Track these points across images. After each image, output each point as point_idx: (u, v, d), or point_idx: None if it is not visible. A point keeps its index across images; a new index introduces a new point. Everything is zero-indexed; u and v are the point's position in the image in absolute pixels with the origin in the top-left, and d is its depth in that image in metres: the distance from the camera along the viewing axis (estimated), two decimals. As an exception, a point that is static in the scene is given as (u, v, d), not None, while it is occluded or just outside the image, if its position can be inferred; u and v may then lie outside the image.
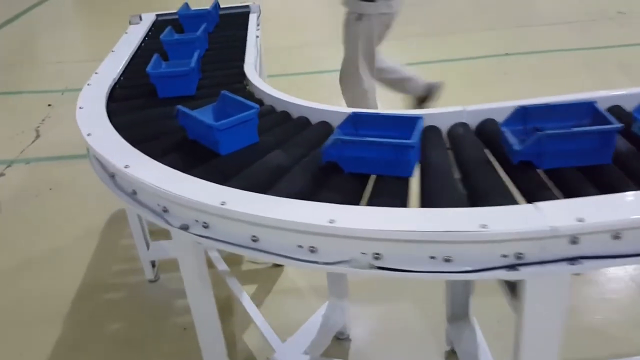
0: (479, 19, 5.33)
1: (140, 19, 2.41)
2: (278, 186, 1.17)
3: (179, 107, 1.37)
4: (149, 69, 1.65)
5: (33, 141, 3.63)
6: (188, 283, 1.32)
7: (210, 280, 2.00)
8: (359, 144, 1.13)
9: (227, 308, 2.06)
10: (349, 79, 2.76)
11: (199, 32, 1.95)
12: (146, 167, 1.24)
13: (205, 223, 1.14)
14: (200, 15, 2.25)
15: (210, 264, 2.20)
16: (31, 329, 2.06)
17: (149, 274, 2.21)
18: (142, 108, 1.64)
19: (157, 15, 2.51)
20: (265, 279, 2.21)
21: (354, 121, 1.25)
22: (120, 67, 1.89)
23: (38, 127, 3.82)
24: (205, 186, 1.16)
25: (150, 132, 1.48)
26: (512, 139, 1.15)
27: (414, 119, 1.19)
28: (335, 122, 1.48)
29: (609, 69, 3.98)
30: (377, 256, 1.00)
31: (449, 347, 1.77)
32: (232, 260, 2.16)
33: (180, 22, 2.26)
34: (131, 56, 2.01)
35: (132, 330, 2.01)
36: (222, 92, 1.44)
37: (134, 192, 1.28)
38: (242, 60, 1.98)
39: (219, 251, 2.14)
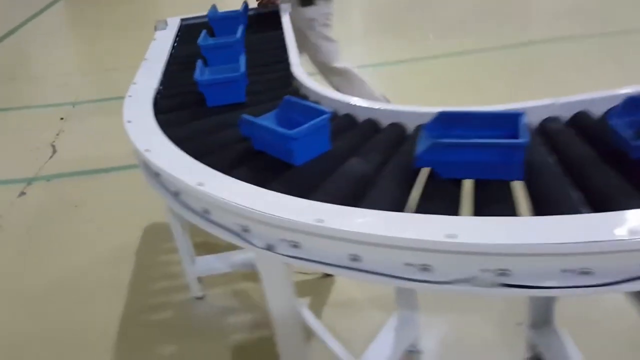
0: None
1: (166, 24, 2.29)
2: (370, 198, 1.07)
3: (244, 116, 1.26)
4: (196, 76, 1.54)
5: (51, 157, 3.51)
6: (273, 306, 1.21)
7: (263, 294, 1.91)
8: (462, 146, 1.02)
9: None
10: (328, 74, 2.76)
11: (238, 35, 1.84)
12: (221, 183, 1.13)
13: (295, 242, 1.04)
14: (232, 17, 2.14)
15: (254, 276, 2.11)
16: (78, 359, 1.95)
17: (195, 291, 2.10)
18: (193, 118, 1.53)
19: (182, 20, 2.39)
20: (317, 290, 2.10)
21: (443, 121, 1.15)
22: (158, 76, 1.78)
23: (53, 142, 3.70)
24: (291, 202, 1.05)
25: (210, 144, 1.37)
26: (626, 133, 1.05)
27: (515, 116, 1.08)
28: (408, 123, 1.38)
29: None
30: (502, 272, 0.90)
31: (530, 354, 1.67)
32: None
33: (211, 25, 2.14)
34: (166, 63, 1.90)
35: (186, 352, 1.91)
36: (286, 97, 1.33)
37: (206, 211, 1.18)
38: (284, 61, 1.87)
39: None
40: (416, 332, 1.74)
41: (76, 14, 7.39)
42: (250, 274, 2.17)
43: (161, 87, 1.73)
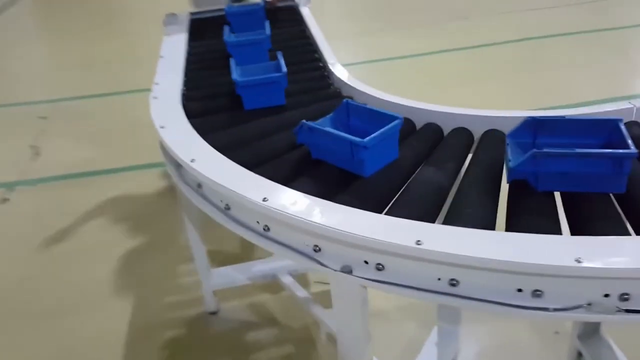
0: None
1: (176, 18, 2.14)
2: (461, 214, 0.97)
3: (305, 122, 1.14)
4: (235, 77, 1.41)
5: (33, 159, 3.29)
6: (344, 332, 1.10)
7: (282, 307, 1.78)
8: (566, 156, 0.93)
9: (308, 340, 1.84)
10: None
11: (267, 31, 1.72)
12: (288, 198, 1.01)
13: (380, 265, 0.93)
14: (250, 12, 2.00)
15: (279, 288, 1.98)
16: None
17: (210, 305, 1.96)
18: (232, 123, 1.40)
19: (191, 14, 2.25)
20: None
21: (532, 127, 1.05)
22: (180, 76, 1.64)
23: (35, 143, 3.48)
24: (374, 219, 0.95)
25: (261, 152, 1.25)
26: None
27: (613, 122, 1.00)
28: (475, 128, 1.29)
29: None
30: (625, 297, 0.81)
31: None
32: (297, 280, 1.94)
33: (228, 19, 2.01)
34: (185, 62, 1.76)
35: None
36: (346, 100, 1.22)
37: (267, 229, 1.05)
38: (315, 60, 1.76)
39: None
40: (458, 346, 1.66)
41: (44, 10, 7.07)
42: (267, 285, 2.05)
43: (186, 88, 1.60)
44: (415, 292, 0.92)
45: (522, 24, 4.72)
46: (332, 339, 1.82)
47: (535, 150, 0.94)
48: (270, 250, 1.07)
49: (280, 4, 2.32)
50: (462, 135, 1.25)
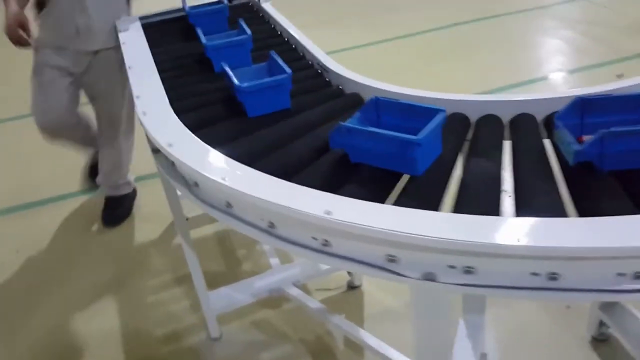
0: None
1: (128, 23, 1.96)
2: (530, 204, 0.92)
3: (343, 124, 1.05)
4: (239, 83, 1.29)
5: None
6: (426, 340, 1.03)
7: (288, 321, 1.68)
8: (633, 135, 0.91)
9: (326, 351, 1.75)
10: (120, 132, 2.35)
11: (247, 31, 1.59)
12: (352, 208, 0.92)
13: (469, 268, 0.87)
14: (215, 12, 1.86)
15: (279, 301, 1.88)
16: None
17: (213, 331, 1.82)
18: (240, 133, 1.27)
19: (141, 18, 2.06)
20: (349, 304, 1.93)
21: (579, 108, 1.03)
22: (160, 86, 1.48)
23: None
24: (452, 219, 0.88)
25: (288, 162, 1.14)
26: None
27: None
28: (504, 114, 1.24)
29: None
30: None
31: (595, 333, 1.65)
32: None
33: (191, 21, 1.86)
34: (158, 70, 1.60)
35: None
36: (376, 97, 1.14)
37: (326, 243, 0.96)
38: (300, 58, 1.66)
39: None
40: (484, 335, 1.64)
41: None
42: (268, 300, 1.94)
43: (171, 99, 1.44)
44: (513, 292, 0.87)
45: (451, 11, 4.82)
46: (351, 346, 1.75)
47: (603, 130, 0.91)
48: (331, 265, 0.98)
49: (235, 2, 2.19)
50: (493, 122, 1.21)
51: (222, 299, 1.78)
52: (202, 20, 1.83)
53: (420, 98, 1.25)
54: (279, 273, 1.85)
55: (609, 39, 3.80)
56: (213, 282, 1.92)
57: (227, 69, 1.36)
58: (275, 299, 1.91)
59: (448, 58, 3.84)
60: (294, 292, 1.78)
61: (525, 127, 1.18)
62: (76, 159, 2.63)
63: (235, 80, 1.29)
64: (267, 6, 2.04)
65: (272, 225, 1.03)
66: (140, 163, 2.53)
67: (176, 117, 1.29)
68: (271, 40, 1.80)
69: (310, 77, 1.53)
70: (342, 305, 1.91)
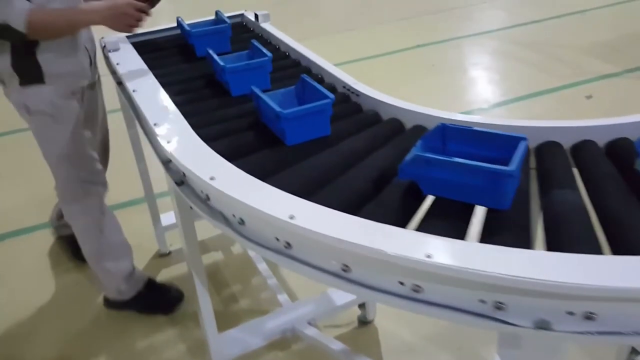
0: (369, 13, 5.27)
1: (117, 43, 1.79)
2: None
3: (421, 154, 0.96)
4: (280, 109, 1.17)
5: None
6: None
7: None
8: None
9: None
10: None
11: (267, 53, 1.47)
12: (453, 249, 0.82)
13: (591, 313, 0.79)
14: (220, 31, 1.74)
15: (288, 341, 1.73)
16: None
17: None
18: (283, 164, 1.16)
19: (129, 37, 1.90)
20: (365, 340, 1.81)
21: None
22: (176, 112, 1.33)
23: None
24: (568, 260, 0.80)
25: (349, 196, 1.03)
26: None
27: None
28: (566, 141, 1.19)
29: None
30: None
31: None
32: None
33: (191, 42, 1.72)
34: (168, 94, 1.45)
35: None
36: (442, 124, 1.06)
37: (417, 289, 0.86)
38: (320, 82, 1.56)
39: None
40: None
41: None
42: (277, 341, 1.78)
43: (193, 125, 1.30)
44: (636, 338, 0.79)
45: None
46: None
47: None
48: (422, 313, 0.88)
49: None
50: (556, 149, 1.15)
51: (232, 343, 1.62)
52: (203, 41, 1.70)
53: (474, 124, 1.17)
54: (292, 311, 1.71)
55: (572, 61, 3.94)
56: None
57: (259, 93, 1.24)
58: (282, 341, 1.77)
59: (415, 78, 3.86)
60: (310, 331, 1.65)
61: (591, 154, 1.13)
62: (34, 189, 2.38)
63: (277, 107, 1.17)
64: (267, 26, 1.93)
65: (346, 267, 0.91)
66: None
67: (208, 147, 1.16)
68: (281, 62, 1.69)
69: (340, 102, 1.43)
70: (357, 342, 1.80)
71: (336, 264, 0.92)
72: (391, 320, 1.88)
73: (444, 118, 1.24)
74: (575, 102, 3.35)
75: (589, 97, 3.37)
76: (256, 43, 1.55)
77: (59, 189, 1.79)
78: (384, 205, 1.00)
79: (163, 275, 2.18)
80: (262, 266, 1.96)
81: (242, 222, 1.04)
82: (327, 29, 4.85)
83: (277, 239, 0.99)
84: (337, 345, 1.60)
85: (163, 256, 2.29)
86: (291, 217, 0.92)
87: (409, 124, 1.32)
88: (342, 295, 1.76)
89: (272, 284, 1.88)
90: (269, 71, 1.47)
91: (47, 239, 2.40)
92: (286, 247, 0.98)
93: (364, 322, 1.88)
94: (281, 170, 1.14)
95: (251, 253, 2.04)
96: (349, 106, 1.41)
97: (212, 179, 1.04)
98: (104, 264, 1.85)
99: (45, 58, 1.55)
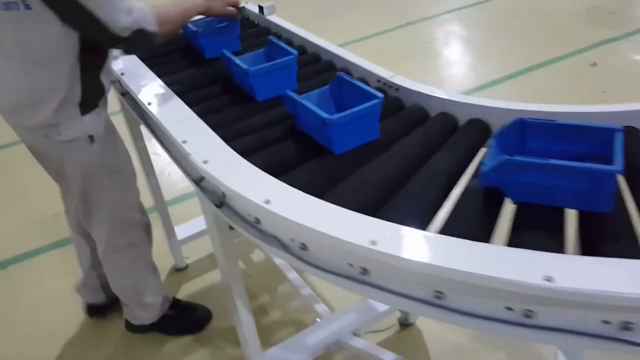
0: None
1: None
2: None
3: (510, 157, 0.85)
4: (327, 115, 1.04)
5: None
6: None
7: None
8: None
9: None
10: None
11: (289, 49, 1.34)
12: (576, 269, 0.72)
13: None
14: (231, 29, 1.59)
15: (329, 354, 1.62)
16: None
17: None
18: (338, 175, 1.04)
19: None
20: (411, 344, 1.72)
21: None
22: (202, 124, 1.20)
23: None
24: None
25: (422, 208, 0.93)
26: None
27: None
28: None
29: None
30: None
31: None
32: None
33: (200, 43, 1.58)
34: (185, 103, 1.31)
35: None
36: (520, 118, 0.95)
37: (530, 314, 0.75)
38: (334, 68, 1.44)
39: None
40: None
41: None
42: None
43: (225, 138, 1.17)
44: None
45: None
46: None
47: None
48: (533, 340, 0.78)
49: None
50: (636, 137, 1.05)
51: (278, 363, 1.51)
52: (212, 41, 1.56)
53: (551, 114, 1.07)
54: (333, 322, 1.60)
55: (569, 29, 3.85)
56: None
57: (298, 98, 1.11)
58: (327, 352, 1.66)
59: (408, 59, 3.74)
60: (357, 342, 1.55)
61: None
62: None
63: (322, 113, 1.04)
64: (273, 18, 1.79)
65: (440, 294, 0.81)
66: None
67: (252, 165, 1.03)
68: (300, 58, 1.56)
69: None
70: (403, 347, 1.70)
71: (427, 291, 0.82)
72: (433, 321, 1.78)
73: (507, 109, 1.13)
74: (581, 71, 3.27)
75: (593, 64, 3.29)
76: (275, 39, 1.41)
77: (108, 224, 1.54)
78: (463, 217, 0.89)
79: (184, 292, 2.06)
80: (293, 275, 1.84)
81: (304, 247, 0.93)
82: (305, 15, 4.70)
83: (351, 265, 0.87)
84: (389, 356, 1.50)
85: (180, 270, 2.16)
86: (373, 243, 0.80)
87: (462, 118, 1.20)
88: (382, 301, 1.65)
89: (307, 293, 1.77)
90: (295, 70, 1.34)
91: (53, 259, 2.26)
92: (362, 273, 0.87)
93: (405, 324, 1.79)
94: (335, 185, 1.02)
95: (278, 261, 1.92)
96: (388, 102, 1.29)
97: (267, 202, 0.92)
98: (144, 299, 1.72)
99: (104, 76, 1.40)
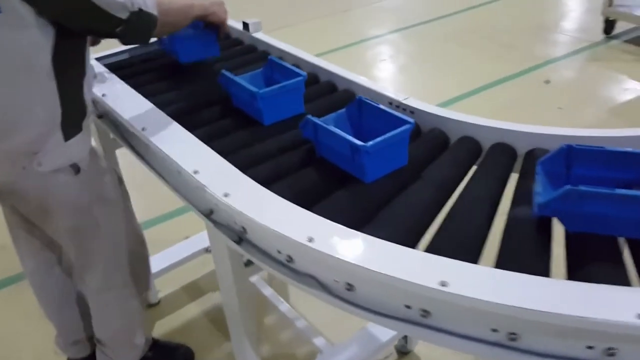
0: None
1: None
2: None
3: (573, 187, 0.81)
4: (359, 144, 0.97)
5: None
6: None
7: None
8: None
9: None
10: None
11: (298, 71, 1.27)
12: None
13: None
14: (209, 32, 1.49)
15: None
16: None
17: None
18: (370, 205, 0.97)
19: (98, 59, 1.61)
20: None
21: None
22: (210, 151, 1.10)
23: None
24: None
25: (471, 241, 0.87)
26: None
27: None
28: None
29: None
30: None
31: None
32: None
33: (175, 47, 1.48)
34: (178, 124, 1.21)
35: None
36: (567, 145, 0.92)
37: (614, 352, 0.71)
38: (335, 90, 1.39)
39: None
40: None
41: None
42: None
43: (239, 166, 1.07)
44: None
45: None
46: None
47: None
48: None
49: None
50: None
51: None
52: (188, 44, 1.47)
53: (590, 139, 1.05)
54: (335, 357, 1.52)
55: (517, 45, 3.98)
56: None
57: (324, 124, 1.04)
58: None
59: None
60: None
61: None
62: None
63: (354, 140, 0.98)
64: (260, 35, 1.71)
65: (514, 336, 0.75)
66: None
67: (280, 197, 0.95)
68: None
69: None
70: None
71: (498, 333, 0.76)
72: (432, 347, 1.74)
73: (529, 133, 1.11)
74: (536, 88, 3.38)
75: (547, 82, 3.41)
76: (276, 59, 1.34)
77: (104, 260, 1.38)
78: (519, 250, 0.85)
79: (158, 330, 1.90)
80: (284, 307, 1.74)
81: (350, 287, 0.85)
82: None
83: (408, 307, 0.81)
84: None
85: (152, 306, 2.01)
86: (443, 284, 0.74)
87: (484, 141, 1.17)
88: (383, 330, 1.59)
89: (302, 326, 1.67)
90: (302, 93, 1.27)
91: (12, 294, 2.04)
92: (423, 315, 0.80)
93: (403, 352, 1.73)
94: (370, 217, 0.95)
95: (266, 292, 1.82)
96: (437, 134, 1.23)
97: (310, 240, 0.84)
98: (135, 340, 1.56)
99: (86, 91, 1.20)
